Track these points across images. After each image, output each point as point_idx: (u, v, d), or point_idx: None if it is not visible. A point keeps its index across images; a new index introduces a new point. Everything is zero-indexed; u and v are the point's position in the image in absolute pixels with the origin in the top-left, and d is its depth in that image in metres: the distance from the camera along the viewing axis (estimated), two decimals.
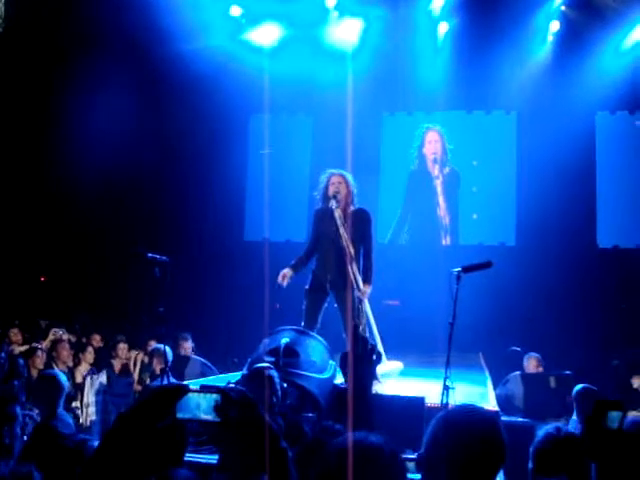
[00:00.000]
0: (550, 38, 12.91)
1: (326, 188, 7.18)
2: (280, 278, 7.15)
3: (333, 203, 6.98)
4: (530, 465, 3.44)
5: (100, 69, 12.54)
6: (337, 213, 6.95)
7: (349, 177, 7.24)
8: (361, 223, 7.15)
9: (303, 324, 7.04)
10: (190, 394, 2.02)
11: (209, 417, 2.03)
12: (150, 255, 6.33)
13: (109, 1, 11.97)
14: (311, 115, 14.03)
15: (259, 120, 13.99)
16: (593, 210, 13.03)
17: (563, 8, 12.69)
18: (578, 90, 12.38)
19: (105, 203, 13.26)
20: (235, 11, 12.94)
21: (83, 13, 12.20)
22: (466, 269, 5.83)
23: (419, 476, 2.42)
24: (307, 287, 7.24)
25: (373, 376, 3.84)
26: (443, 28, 13.08)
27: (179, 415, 2.03)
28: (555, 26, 12.80)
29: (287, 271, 7.17)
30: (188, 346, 9.48)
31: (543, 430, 3.57)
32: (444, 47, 13.13)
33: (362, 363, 3.70)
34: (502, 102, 13.31)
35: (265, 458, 1.91)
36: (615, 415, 2.76)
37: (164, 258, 6.41)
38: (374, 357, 3.88)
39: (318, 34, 12.94)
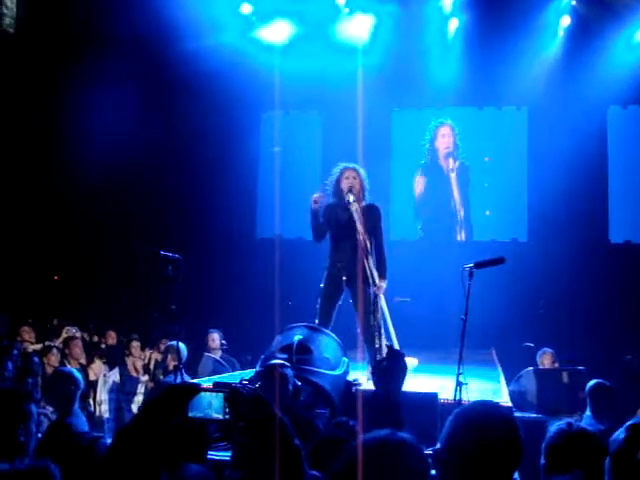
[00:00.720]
0: (561, 33, 12.86)
1: (338, 182, 7.13)
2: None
3: (350, 197, 6.95)
4: (542, 461, 3.44)
5: (112, 67, 12.56)
6: (354, 207, 6.91)
7: (362, 171, 7.21)
8: (373, 218, 7.12)
9: (317, 322, 7.03)
10: (202, 393, 2.04)
11: (221, 416, 2.04)
12: (163, 253, 6.36)
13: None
14: (322, 112, 14.03)
15: (270, 117, 14.00)
16: (605, 205, 13.00)
17: (573, 3, 12.63)
18: (589, 85, 12.33)
19: (118, 202, 13.29)
20: (246, 9, 12.94)
21: (93, 12, 12.22)
22: (478, 265, 5.82)
23: (433, 472, 2.43)
24: (322, 285, 7.22)
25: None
26: (454, 24, 13.04)
27: (191, 414, 2.05)
28: (566, 21, 12.75)
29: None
30: (215, 340, 9.48)
31: (555, 426, 3.56)
32: (455, 43, 13.09)
33: (395, 377, 3.72)
34: (513, 98, 13.28)
35: (277, 456, 1.91)
36: None
37: (177, 256, 6.44)
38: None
39: (329, 31, 12.93)
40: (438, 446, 2.39)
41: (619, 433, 2.67)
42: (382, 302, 7.20)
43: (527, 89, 12.82)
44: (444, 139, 13.84)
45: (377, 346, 6.91)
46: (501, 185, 13.55)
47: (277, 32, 13.08)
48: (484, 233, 13.51)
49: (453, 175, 13.76)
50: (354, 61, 12.23)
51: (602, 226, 12.94)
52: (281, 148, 13.67)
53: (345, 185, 7.04)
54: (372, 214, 7.14)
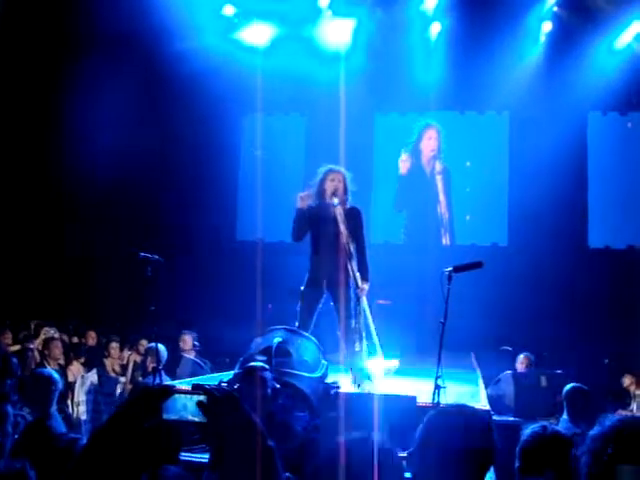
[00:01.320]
0: (542, 39, 12.94)
1: (323, 184, 7.12)
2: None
3: (335, 201, 6.96)
4: (517, 464, 3.46)
5: (91, 68, 12.51)
6: (338, 210, 6.93)
7: (346, 174, 7.22)
8: (355, 221, 7.13)
9: (298, 324, 7.02)
10: (177, 395, 2.04)
11: (195, 418, 2.04)
12: (142, 254, 6.35)
13: (102, 1, 11.95)
14: (304, 115, 14.04)
15: (252, 120, 13.99)
16: (585, 211, 13.09)
17: (555, 9, 12.72)
18: (570, 91, 12.41)
19: (97, 203, 13.22)
20: (228, 10, 12.92)
21: (76, 13, 12.17)
22: (457, 269, 5.86)
23: (410, 475, 2.44)
24: (303, 287, 7.21)
25: None
26: (436, 28, 13.08)
27: (166, 416, 2.05)
28: (547, 27, 12.84)
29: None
30: (188, 342, 9.49)
31: (530, 429, 3.58)
32: (437, 47, 13.12)
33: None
34: (495, 103, 13.32)
35: (251, 458, 1.92)
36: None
37: (156, 257, 6.43)
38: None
39: (311, 34, 12.93)
40: (412, 449, 2.41)
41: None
42: (364, 304, 7.22)
43: (508, 94, 12.87)
44: (430, 141, 13.87)
45: (357, 350, 6.93)
46: (482, 189, 13.60)
47: (259, 34, 13.07)
48: (465, 237, 13.56)
49: (439, 177, 13.79)
50: (336, 64, 12.28)
51: (581, 231, 13.03)
52: (263, 151, 13.65)
53: (330, 188, 7.03)
54: (354, 217, 7.14)
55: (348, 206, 7.15)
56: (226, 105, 13.31)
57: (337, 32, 12.90)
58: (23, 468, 2.55)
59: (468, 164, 13.72)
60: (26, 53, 12.66)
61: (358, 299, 7.05)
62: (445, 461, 2.29)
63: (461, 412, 2.50)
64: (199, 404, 2.02)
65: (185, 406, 2.06)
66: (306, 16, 12.81)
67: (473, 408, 2.56)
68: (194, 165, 13.63)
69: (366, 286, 7.08)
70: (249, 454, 1.91)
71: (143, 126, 13.21)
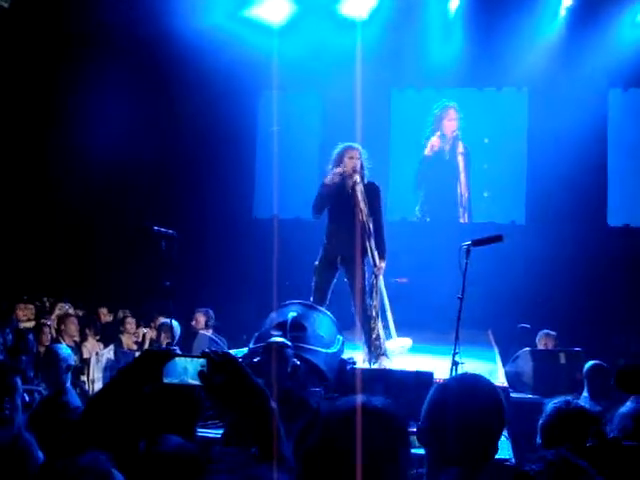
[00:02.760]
0: (562, 13, 12.72)
1: (342, 161, 7.12)
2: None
3: (357, 178, 6.93)
4: (538, 440, 3.39)
5: (106, 50, 12.55)
6: (359, 188, 6.92)
7: (363, 151, 7.23)
8: (373, 197, 7.15)
9: (312, 299, 7.00)
10: (177, 359, 2.03)
11: (196, 382, 2.02)
12: (156, 228, 6.31)
13: None
14: (321, 91, 13.90)
15: (268, 97, 13.89)
16: (604, 188, 12.93)
17: None
18: (590, 66, 12.24)
19: (115, 180, 13.19)
20: None
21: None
22: (476, 242, 5.78)
23: (422, 451, 2.39)
24: (317, 263, 7.21)
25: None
26: (454, 3, 12.88)
27: (166, 380, 2.04)
28: (568, 1, 12.62)
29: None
30: (200, 322, 9.51)
31: (551, 404, 3.51)
32: (455, 23, 12.94)
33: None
34: (514, 79, 13.15)
35: (252, 418, 1.88)
36: None
37: (170, 232, 6.39)
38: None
39: (327, 9, 12.78)
40: (420, 423, 2.36)
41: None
42: (381, 283, 7.19)
43: (528, 70, 12.71)
44: (451, 122, 13.74)
45: (373, 327, 6.89)
46: (500, 167, 13.47)
47: (275, 10, 12.92)
48: (482, 215, 13.46)
49: (461, 158, 13.66)
50: (353, 40, 12.12)
51: (601, 209, 12.88)
52: (279, 127, 13.55)
53: (350, 165, 7.03)
54: (372, 193, 7.18)
55: (365, 182, 7.14)
56: (242, 82, 13.22)
57: (354, 7, 12.74)
58: (19, 434, 2.52)
59: (486, 140, 13.57)
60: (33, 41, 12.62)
61: (375, 277, 7.03)
62: (453, 428, 2.25)
63: (465, 379, 2.45)
64: (200, 374, 2.00)
65: (186, 369, 2.02)
66: None
67: (477, 375, 2.50)
68: (211, 143, 13.57)
69: (383, 264, 7.06)
70: (251, 414, 1.88)
71: (159, 105, 13.17)
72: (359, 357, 6.73)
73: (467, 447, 2.26)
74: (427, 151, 13.82)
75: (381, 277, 7.17)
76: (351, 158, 7.08)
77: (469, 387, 2.37)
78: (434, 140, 13.76)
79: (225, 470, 1.69)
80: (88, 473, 1.70)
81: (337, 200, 7.08)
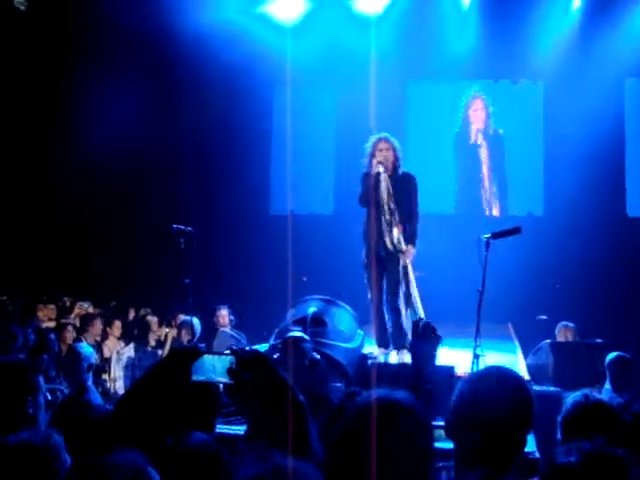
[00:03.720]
0: (577, 4, 12.66)
1: (372, 154, 7.16)
2: None
3: (380, 169, 6.98)
4: (558, 435, 3.37)
5: (120, 47, 12.59)
6: (384, 179, 6.93)
7: (395, 142, 7.27)
8: (407, 187, 7.22)
9: (370, 296, 6.98)
10: (205, 356, 2.04)
11: (224, 379, 2.02)
12: (175, 226, 6.34)
13: None
14: (335, 85, 13.87)
15: (283, 93, 13.88)
16: (622, 179, 12.88)
17: None
18: (606, 57, 12.18)
19: (133, 177, 13.24)
20: None
21: None
22: (496, 235, 5.78)
23: (451, 445, 2.37)
24: (364, 258, 7.22)
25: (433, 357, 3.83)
26: None
27: (194, 377, 2.05)
28: None
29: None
30: (224, 317, 9.52)
31: (571, 398, 3.49)
32: (470, 14, 12.89)
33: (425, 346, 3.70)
34: (529, 71, 13.11)
35: (284, 413, 1.89)
36: None
37: (189, 229, 6.41)
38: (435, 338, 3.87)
39: (342, 5, 12.79)
40: (448, 417, 2.35)
41: None
42: (410, 272, 7.16)
43: (543, 62, 12.67)
44: (476, 113, 13.69)
45: (397, 319, 6.87)
46: (517, 159, 13.42)
47: (289, 7, 12.94)
48: (502, 207, 13.44)
49: (484, 149, 13.60)
50: (367, 32, 12.12)
51: (619, 200, 12.82)
52: (294, 122, 13.51)
53: (377, 158, 7.07)
54: (407, 182, 7.27)
55: (400, 173, 7.18)
56: (256, 79, 13.23)
57: (369, 2, 12.72)
58: (50, 434, 2.54)
59: (501, 132, 13.52)
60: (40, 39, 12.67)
61: (405, 266, 7.03)
62: (481, 423, 2.23)
63: (494, 373, 2.44)
64: (229, 371, 2.01)
65: (214, 367, 2.04)
66: None
67: (507, 368, 2.48)
68: (226, 140, 13.59)
69: (411, 249, 7.05)
70: (281, 410, 1.88)
71: (175, 102, 13.19)
72: (380, 351, 6.70)
73: (495, 441, 2.25)
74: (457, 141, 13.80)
75: (410, 267, 7.14)
76: (380, 150, 7.11)
77: (496, 380, 2.36)
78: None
79: (252, 462, 1.69)
80: (124, 470, 1.71)
81: (370, 192, 7.11)
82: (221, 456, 2.45)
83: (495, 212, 13.48)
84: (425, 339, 3.36)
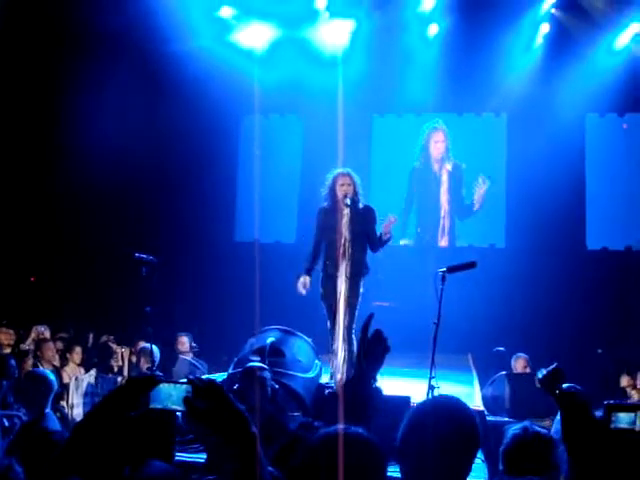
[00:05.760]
0: (540, 40, 12.92)
1: (333, 188, 7.31)
2: (301, 288, 7.20)
3: (347, 202, 7.11)
4: (500, 467, 3.45)
5: (86, 70, 12.53)
6: (346, 212, 7.04)
7: (355, 177, 7.41)
8: (370, 219, 7.38)
9: (329, 325, 7.04)
10: (162, 385, 2.06)
11: (179, 407, 2.06)
12: (137, 255, 6.36)
13: (98, 2, 11.95)
14: (302, 116, 14.00)
15: (250, 121, 13.97)
16: (582, 212, 13.06)
17: (553, 11, 12.70)
18: (568, 92, 12.41)
19: (94, 203, 13.18)
20: (226, 12, 12.89)
21: (72, 13, 12.16)
22: (451, 269, 5.87)
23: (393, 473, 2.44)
24: (321, 288, 7.29)
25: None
26: (433, 30, 13.06)
27: (151, 405, 2.07)
28: (545, 28, 12.82)
29: (305, 278, 7.24)
30: (185, 344, 9.54)
31: (511, 430, 3.57)
32: (434, 49, 13.08)
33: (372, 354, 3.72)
34: (492, 104, 13.30)
35: (234, 443, 1.93)
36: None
37: (151, 258, 6.44)
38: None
39: (308, 35, 12.90)
40: (398, 442, 2.41)
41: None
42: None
43: (506, 96, 12.87)
44: (437, 145, 13.80)
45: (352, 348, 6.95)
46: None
47: (257, 36, 13.03)
48: (462, 239, 13.54)
49: (445, 180, 13.69)
50: (334, 66, 12.27)
51: (579, 232, 13.00)
52: (261, 152, 13.59)
53: (340, 192, 7.20)
54: (369, 215, 7.40)
55: (362, 205, 7.34)
56: (224, 106, 13.27)
57: (334, 34, 12.86)
58: (10, 465, 2.55)
59: (464, 166, 13.65)
60: (23, 54, 12.65)
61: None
62: (427, 449, 2.30)
63: (439, 400, 2.51)
64: (185, 400, 2.04)
65: (170, 395, 2.07)
66: (303, 18, 12.76)
67: (451, 398, 2.56)
68: (192, 166, 13.60)
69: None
70: (233, 440, 1.92)
71: (140, 127, 13.16)
72: (339, 379, 6.75)
73: (440, 468, 2.31)
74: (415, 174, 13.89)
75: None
76: (342, 185, 7.25)
77: (442, 408, 2.43)
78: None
79: None
80: None
81: (332, 226, 7.21)
82: None
83: (457, 243, 13.57)
84: (376, 344, 3.40)
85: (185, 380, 2.08)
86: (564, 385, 6.15)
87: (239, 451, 1.93)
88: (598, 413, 2.81)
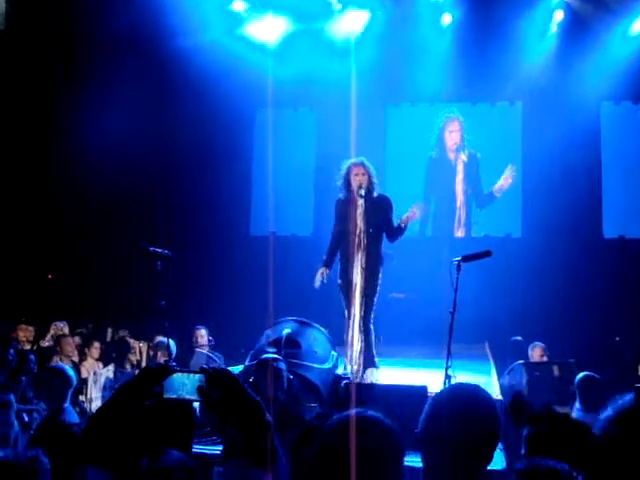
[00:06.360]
0: (554, 28, 12.83)
1: (348, 178, 7.30)
2: (317, 280, 7.22)
3: (362, 192, 7.12)
4: (522, 450, 3.45)
5: (103, 66, 12.57)
6: (360, 203, 7.04)
7: (369, 166, 7.39)
8: (385, 208, 7.37)
9: (347, 316, 7.08)
10: (175, 375, 2.08)
11: (193, 397, 2.07)
12: (152, 248, 6.38)
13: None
14: (315, 109, 13.98)
15: (264, 115, 13.96)
16: (599, 200, 13.00)
17: None
18: (583, 80, 12.33)
19: (110, 198, 13.22)
20: (238, 6, 12.89)
21: (82, 10, 12.20)
22: (466, 258, 5.87)
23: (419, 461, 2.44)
24: (339, 281, 7.32)
25: None
26: (447, 19, 12.99)
27: (165, 395, 2.08)
28: (559, 16, 12.73)
29: (323, 270, 7.25)
30: (203, 337, 9.58)
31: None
32: (448, 38, 13.02)
33: None
34: (507, 93, 13.25)
35: (248, 431, 1.93)
36: None
37: (166, 252, 6.45)
38: None
39: (321, 27, 12.88)
40: (419, 429, 2.41)
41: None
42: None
43: (521, 85, 12.83)
44: (452, 134, 13.77)
45: (369, 338, 6.96)
46: (495, 181, 13.51)
47: (269, 29, 12.99)
48: (478, 229, 13.50)
49: (461, 170, 13.66)
50: (346, 57, 12.23)
51: (596, 221, 12.94)
52: (275, 146, 13.58)
53: (355, 182, 7.20)
54: (384, 204, 7.40)
55: (376, 194, 7.35)
56: (238, 100, 13.27)
57: (347, 25, 12.84)
58: (36, 456, 2.59)
59: (479, 155, 13.61)
60: (28, 56, 12.71)
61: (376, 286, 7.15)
62: (449, 437, 2.30)
63: (461, 390, 2.50)
64: (199, 389, 2.05)
65: (184, 385, 2.08)
66: (316, 10, 12.73)
67: (473, 385, 2.55)
68: (207, 161, 13.62)
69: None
70: (249, 429, 1.93)
71: (154, 123, 13.21)
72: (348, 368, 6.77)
73: (460, 457, 2.31)
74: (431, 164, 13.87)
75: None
76: (356, 175, 7.24)
77: (462, 397, 2.43)
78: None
79: None
80: None
81: (347, 217, 7.22)
82: (197, 475, 2.49)
83: (473, 233, 13.54)
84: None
85: (198, 370, 2.09)
86: (581, 374, 6.16)
87: (254, 439, 1.93)
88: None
